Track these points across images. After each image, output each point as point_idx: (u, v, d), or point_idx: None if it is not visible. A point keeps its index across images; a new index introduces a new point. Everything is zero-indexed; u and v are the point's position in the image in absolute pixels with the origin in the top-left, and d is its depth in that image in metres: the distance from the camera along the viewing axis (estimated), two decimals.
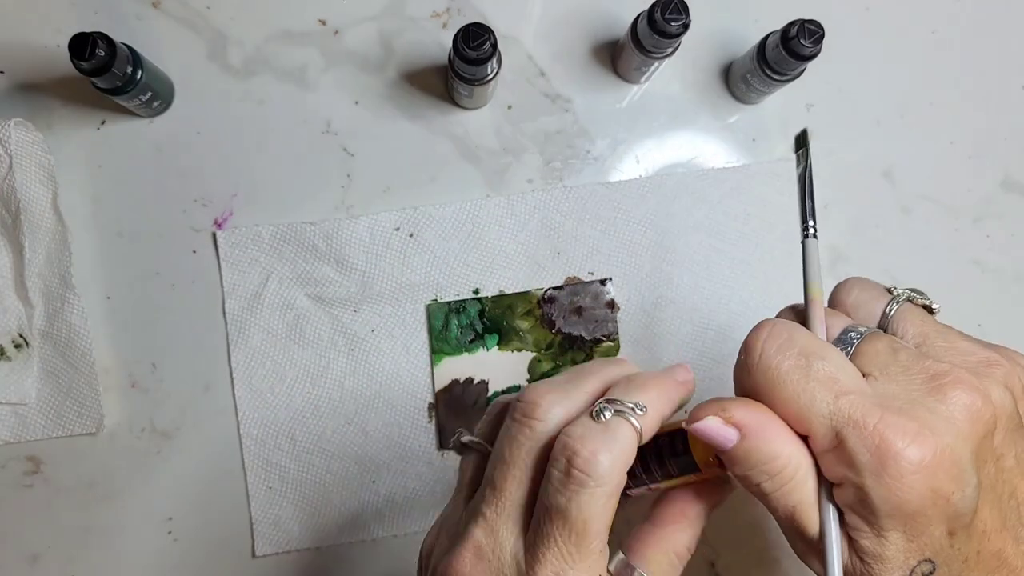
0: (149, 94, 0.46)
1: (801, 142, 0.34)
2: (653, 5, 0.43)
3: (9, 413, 0.48)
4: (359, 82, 0.51)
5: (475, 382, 0.50)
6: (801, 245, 0.32)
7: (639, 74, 0.50)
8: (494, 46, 0.42)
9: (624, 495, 0.30)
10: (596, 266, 0.51)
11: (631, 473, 0.28)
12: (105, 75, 0.42)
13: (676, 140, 0.52)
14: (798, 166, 0.34)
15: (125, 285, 0.50)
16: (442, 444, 0.50)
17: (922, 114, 0.53)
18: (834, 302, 0.32)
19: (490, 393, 0.50)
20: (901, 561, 0.26)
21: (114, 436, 0.49)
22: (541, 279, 0.50)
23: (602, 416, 0.27)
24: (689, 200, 0.51)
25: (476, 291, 0.50)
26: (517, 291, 0.50)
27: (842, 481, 0.26)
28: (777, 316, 0.31)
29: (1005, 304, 0.53)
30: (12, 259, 0.48)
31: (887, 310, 0.31)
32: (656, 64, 0.48)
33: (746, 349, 0.27)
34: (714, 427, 0.27)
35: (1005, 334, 0.53)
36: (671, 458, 0.29)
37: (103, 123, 0.50)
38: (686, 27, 0.43)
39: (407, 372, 0.50)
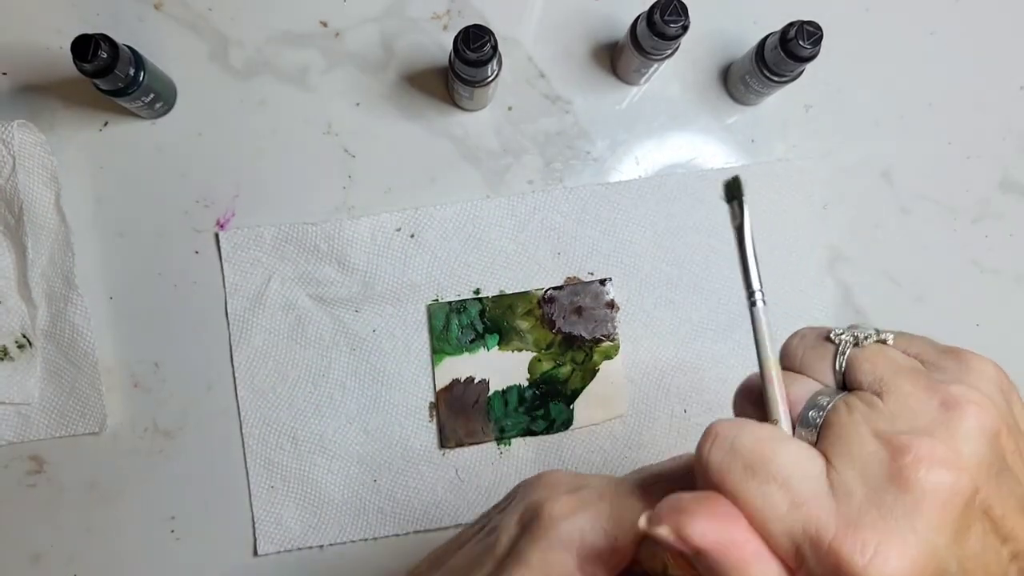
0: (151, 95, 0.46)
1: (733, 191, 0.29)
2: (652, 7, 0.43)
3: (12, 413, 0.49)
4: (360, 83, 0.51)
5: (476, 381, 0.50)
6: (749, 314, 0.28)
7: (639, 75, 0.50)
8: (494, 48, 0.42)
9: None
10: (596, 266, 0.51)
11: None
12: (107, 77, 0.42)
13: (675, 141, 0.52)
14: (733, 221, 0.29)
15: (127, 285, 0.50)
16: (443, 443, 0.50)
17: (921, 115, 0.53)
18: (786, 366, 0.29)
19: (490, 392, 0.50)
20: None
21: (117, 436, 0.50)
22: (541, 279, 0.51)
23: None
24: (688, 200, 0.51)
25: (477, 291, 0.50)
26: (517, 291, 0.50)
27: None
28: (734, 400, 0.29)
29: (1004, 304, 0.53)
30: (15, 260, 0.49)
31: (836, 366, 0.28)
32: (655, 65, 0.48)
33: (696, 460, 0.25)
34: (671, 540, 0.24)
35: (1004, 334, 0.53)
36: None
37: (105, 124, 0.50)
38: (685, 29, 0.43)
39: (408, 372, 0.50)
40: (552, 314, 0.50)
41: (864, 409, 0.25)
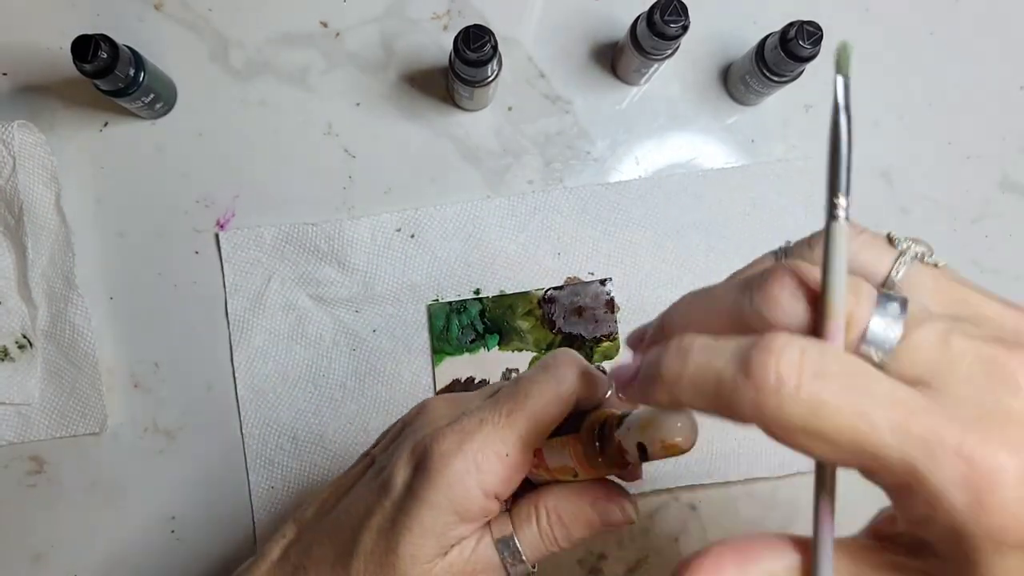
0: (151, 96, 0.46)
1: (841, 64, 0.24)
2: (652, 7, 0.43)
3: (13, 413, 0.49)
4: (360, 84, 0.51)
5: (476, 382, 0.50)
6: (825, 230, 0.23)
7: (639, 76, 0.50)
8: (494, 48, 0.42)
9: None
10: (596, 266, 0.51)
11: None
12: (107, 77, 0.42)
13: (676, 141, 0.52)
14: (836, 108, 0.23)
15: (128, 286, 0.50)
16: None
17: (920, 115, 0.54)
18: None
19: None
20: None
21: (117, 436, 0.50)
22: (541, 279, 0.51)
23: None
24: (689, 200, 0.51)
25: (477, 291, 0.50)
26: (518, 291, 0.50)
27: (927, 521, 0.20)
28: (781, 289, 0.23)
29: None
30: (15, 260, 0.49)
31: (892, 273, 0.26)
32: (655, 66, 0.48)
33: (765, 375, 0.21)
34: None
35: None
36: (583, 447, 0.30)
37: (105, 125, 0.50)
38: (685, 29, 0.43)
39: (408, 372, 0.50)
40: (552, 314, 0.50)
41: (949, 328, 0.22)
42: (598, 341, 0.50)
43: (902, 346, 0.22)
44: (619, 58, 0.50)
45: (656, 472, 0.51)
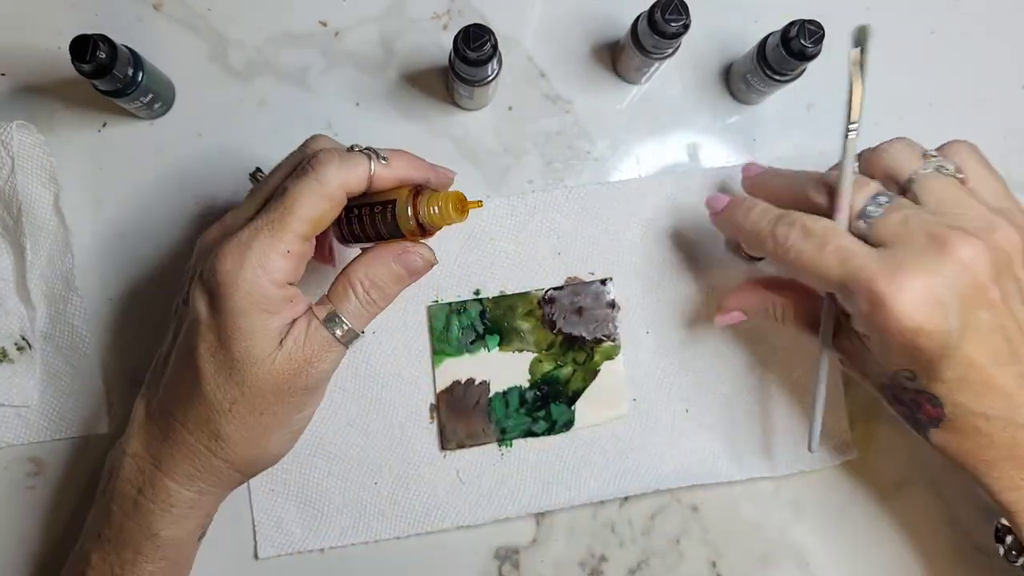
0: (150, 96, 0.46)
1: (860, 39, 0.41)
2: (653, 6, 0.43)
3: (12, 415, 0.48)
4: (360, 83, 0.51)
5: (476, 383, 0.50)
6: (843, 139, 0.40)
7: (639, 75, 0.50)
8: (494, 47, 0.42)
9: (347, 242, 0.39)
10: (597, 266, 0.51)
11: (352, 231, 0.38)
12: (106, 77, 0.42)
13: (676, 140, 0.52)
14: (852, 63, 0.40)
15: (127, 286, 0.50)
16: (443, 445, 0.50)
17: (921, 115, 0.53)
18: (876, 152, 0.41)
19: (491, 394, 0.50)
20: (889, 365, 0.37)
21: (116, 438, 0.49)
22: (542, 279, 0.51)
23: (353, 149, 0.37)
24: (689, 199, 0.51)
25: (477, 292, 0.50)
26: (518, 292, 0.50)
27: (857, 316, 0.37)
28: (808, 184, 0.42)
29: None
30: (13, 261, 0.48)
31: (912, 175, 0.39)
32: (656, 65, 0.48)
33: (778, 234, 0.39)
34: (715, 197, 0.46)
35: None
36: (382, 222, 0.37)
37: (104, 125, 0.50)
38: (686, 27, 0.43)
39: (408, 373, 0.50)
40: (553, 314, 0.50)
41: (918, 214, 0.37)
42: (599, 341, 0.50)
43: (879, 220, 0.37)
44: (620, 57, 0.50)
45: (657, 472, 0.51)
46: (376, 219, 0.37)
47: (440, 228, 0.37)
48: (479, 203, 0.37)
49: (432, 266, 0.39)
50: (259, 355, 0.36)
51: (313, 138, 0.38)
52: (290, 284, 0.36)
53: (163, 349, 0.40)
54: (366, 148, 0.37)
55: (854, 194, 0.38)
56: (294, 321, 0.37)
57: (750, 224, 0.41)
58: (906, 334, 0.35)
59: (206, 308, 0.36)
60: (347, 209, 0.38)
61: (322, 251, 0.43)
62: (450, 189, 0.38)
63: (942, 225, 0.36)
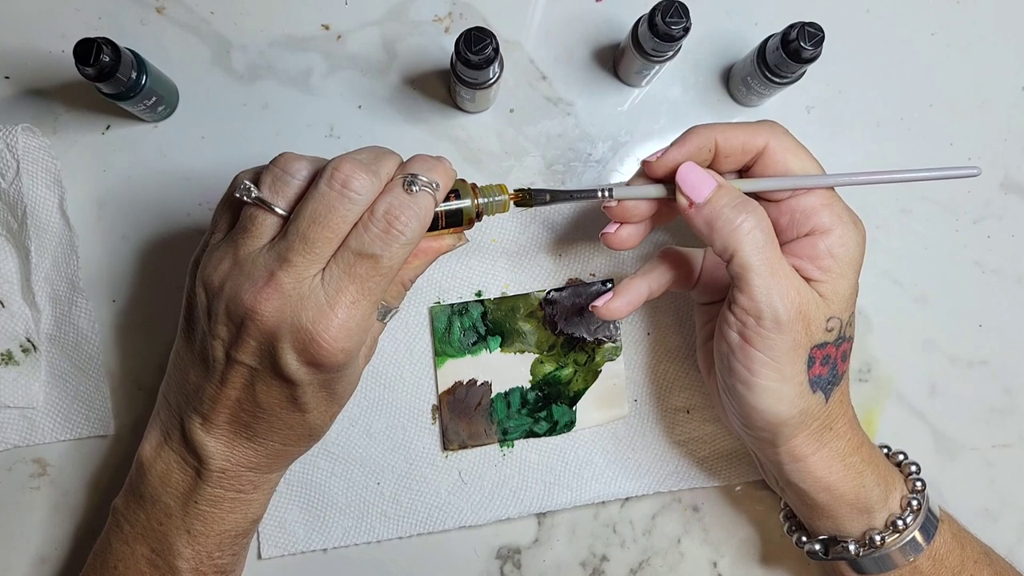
0: (153, 99, 0.46)
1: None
2: (654, 8, 0.43)
3: (17, 417, 0.49)
4: (362, 86, 0.51)
5: (478, 384, 0.50)
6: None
7: (640, 77, 0.50)
8: (496, 50, 0.42)
9: None
10: (597, 267, 0.51)
11: None
12: (110, 80, 0.42)
13: None
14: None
15: (131, 288, 0.50)
16: (445, 445, 0.50)
17: (922, 116, 0.54)
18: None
19: (493, 395, 0.50)
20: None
21: (121, 439, 0.50)
22: (543, 281, 0.51)
23: (412, 189, 0.36)
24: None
25: (479, 293, 0.50)
26: (519, 293, 0.50)
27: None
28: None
29: (1006, 304, 0.53)
30: (19, 264, 0.49)
31: None
32: (657, 67, 0.48)
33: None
34: (696, 172, 0.40)
35: (1006, 335, 0.53)
36: (444, 218, 0.39)
37: (108, 128, 0.50)
38: (687, 30, 0.43)
39: (410, 374, 0.50)
40: (554, 316, 0.50)
41: None
42: (600, 343, 0.50)
43: None
44: (620, 60, 0.50)
45: (658, 473, 0.51)
46: (439, 218, 0.38)
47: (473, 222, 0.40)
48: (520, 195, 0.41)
49: (464, 243, 0.41)
50: (356, 381, 0.40)
51: (338, 161, 0.35)
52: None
53: (213, 386, 0.38)
54: (413, 179, 0.36)
55: None
56: None
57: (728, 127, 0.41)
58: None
59: (309, 375, 0.37)
60: None
61: None
62: (493, 184, 0.41)
63: None
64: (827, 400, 0.41)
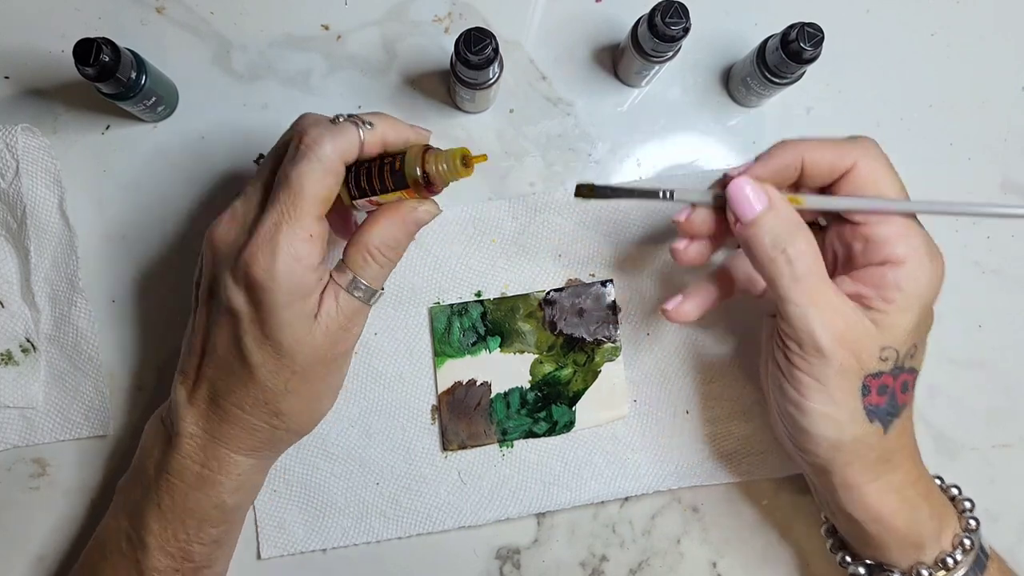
0: (153, 99, 0.46)
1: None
2: (653, 9, 0.43)
3: (17, 417, 0.49)
4: (362, 86, 0.51)
5: (477, 384, 0.50)
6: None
7: (640, 78, 0.50)
8: (496, 50, 0.42)
9: (353, 206, 0.39)
10: (597, 268, 0.51)
11: (359, 187, 0.38)
12: (109, 80, 0.42)
13: (677, 143, 0.52)
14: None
15: (130, 288, 0.50)
16: (445, 446, 0.50)
17: (922, 116, 0.54)
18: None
19: (492, 395, 0.50)
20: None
21: (120, 439, 0.50)
22: (543, 281, 0.51)
23: (338, 119, 0.38)
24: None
25: (478, 294, 0.50)
26: (519, 293, 0.50)
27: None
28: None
29: (1006, 305, 0.53)
30: (18, 264, 0.49)
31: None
32: (657, 68, 0.48)
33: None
34: (750, 187, 0.38)
35: (1006, 335, 0.53)
36: (389, 174, 0.38)
37: (108, 128, 0.50)
38: (686, 31, 0.43)
39: (410, 375, 0.50)
40: (553, 316, 0.50)
41: None
42: (599, 343, 0.50)
43: None
44: (620, 60, 0.50)
45: (657, 473, 0.51)
46: (385, 172, 0.38)
47: (446, 184, 0.39)
48: (484, 157, 0.38)
49: (435, 216, 0.40)
50: (303, 337, 0.38)
51: (301, 117, 0.39)
52: (319, 265, 0.38)
53: (193, 340, 0.41)
54: (349, 116, 0.38)
55: None
56: (322, 294, 0.39)
57: (819, 144, 0.40)
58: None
59: (246, 305, 0.37)
60: (357, 172, 0.39)
61: (347, 228, 0.45)
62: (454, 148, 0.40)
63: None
64: (885, 431, 0.39)
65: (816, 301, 0.37)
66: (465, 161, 0.38)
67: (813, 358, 0.38)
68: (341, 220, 0.44)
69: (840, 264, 0.41)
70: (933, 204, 0.39)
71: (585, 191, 0.40)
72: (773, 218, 0.38)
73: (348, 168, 0.38)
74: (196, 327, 0.41)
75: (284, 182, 0.36)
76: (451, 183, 0.39)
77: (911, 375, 0.40)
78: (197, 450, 0.41)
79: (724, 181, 0.40)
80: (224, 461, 0.41)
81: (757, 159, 0.40)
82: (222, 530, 0.43)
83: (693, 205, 0.41)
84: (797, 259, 0.37)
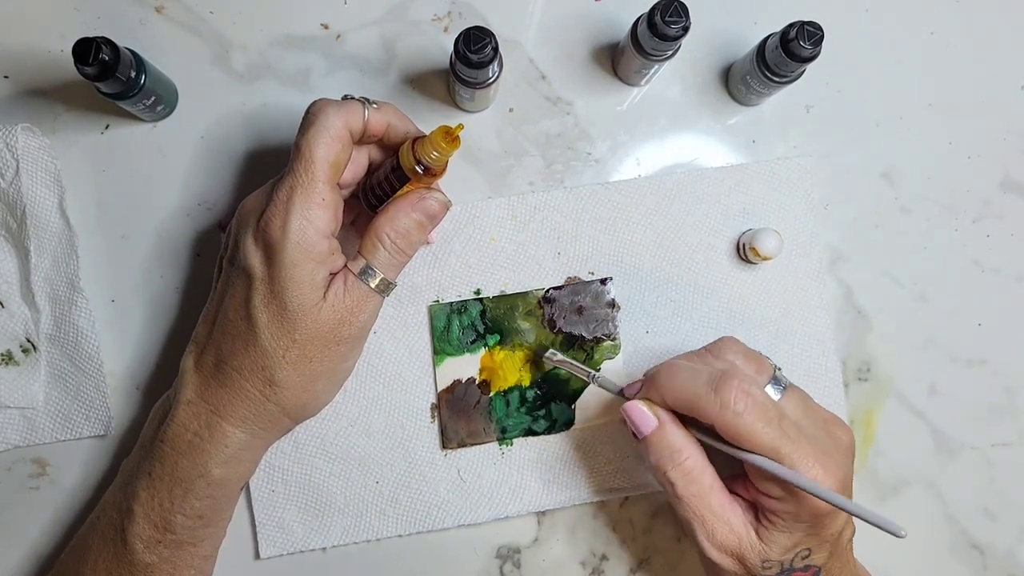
0: (153, 98, 0.46)
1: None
2: (653, 8, 0.43)
3: (16, 417, 0.49)
4: (361, 85, 0.51)
5: (477, 382, 0.50)
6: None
7: (639, 77, 0.50)
8: (495, 50, 0.42)
9: (373, 208, 0.43)
10: (596, 266, 0.51)
11: (377, 196, 0.42)
12: (109, 80, 0.42)
13: (676, 142, 0.52)
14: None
15: (130, 288, 0.50)
16: (444, 444, 0.50)
17: (921, 115, 0.54)
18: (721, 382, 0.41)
19: (491, 393, 0.50)
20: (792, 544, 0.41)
21: (120, 439, 0.50)
22: (542, 279, 0.51)
23: (346, 98, 0.41)
24: (689, 199, 0.51)
25: (477, 292, 0.50)
26: (518, 291, 0.50)
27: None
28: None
29: (1005, 304, 0.53)
30: (18, 264, 0.49)
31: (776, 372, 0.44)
32: (656, 67, 0.48)
33: (724, 401, 0.40)
34: (639, 410, 0.43)
35: (1006, 334, 0.53)
36: (392, 174, 0.41)
37: (107, 127, 0.50)
38: (686, 30, 0.43)
39: (410, 373, 0.50)
40: (553, 314, 0.50)
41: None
42: (599, 341, 0.51)
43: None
44: (620, 59, 0.50)
45: None
46: (388, 175, 0.41)
47: (443, 165, 0.41)
48: (461, 126, 0.40)
49: (447, 208, 0.43)
50: (308, 304, 0.40)
51: (314, 103, 0.41)
52: (332, 235, 0.40)
53: (209, 308, 0.43)
54: (359, 97, 0.41)
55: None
56: (333, 276, 0.41)
57: (680, 384, 0.42)
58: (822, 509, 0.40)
59: (260, 264, 0.39)
60: (368, 183, 0.43)
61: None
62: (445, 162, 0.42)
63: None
64: None
65: (699, 514, 0.41)
66: (448, 137, 0.40)
67: (708, 553, 0.41)
68: None
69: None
70: (799, 477, 0.39)
71: (534, 357, 0.49)
72: (659, 440, 0.42)
73: (360, 188, 0.42)
74: (215, 296, 0.43)
75: (295, 151, 0.39)
76: (448, 162, 0.41)
77: (807, 572, 0.41)
78: (192, 418, 0.41)
79: (625, 393, 0.45)
80: (215, 430, 0.41)
81: (646, 387, 0.44)
82: (206, 504, 0.42)
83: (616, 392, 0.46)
84: (677, 481, 0.41)
